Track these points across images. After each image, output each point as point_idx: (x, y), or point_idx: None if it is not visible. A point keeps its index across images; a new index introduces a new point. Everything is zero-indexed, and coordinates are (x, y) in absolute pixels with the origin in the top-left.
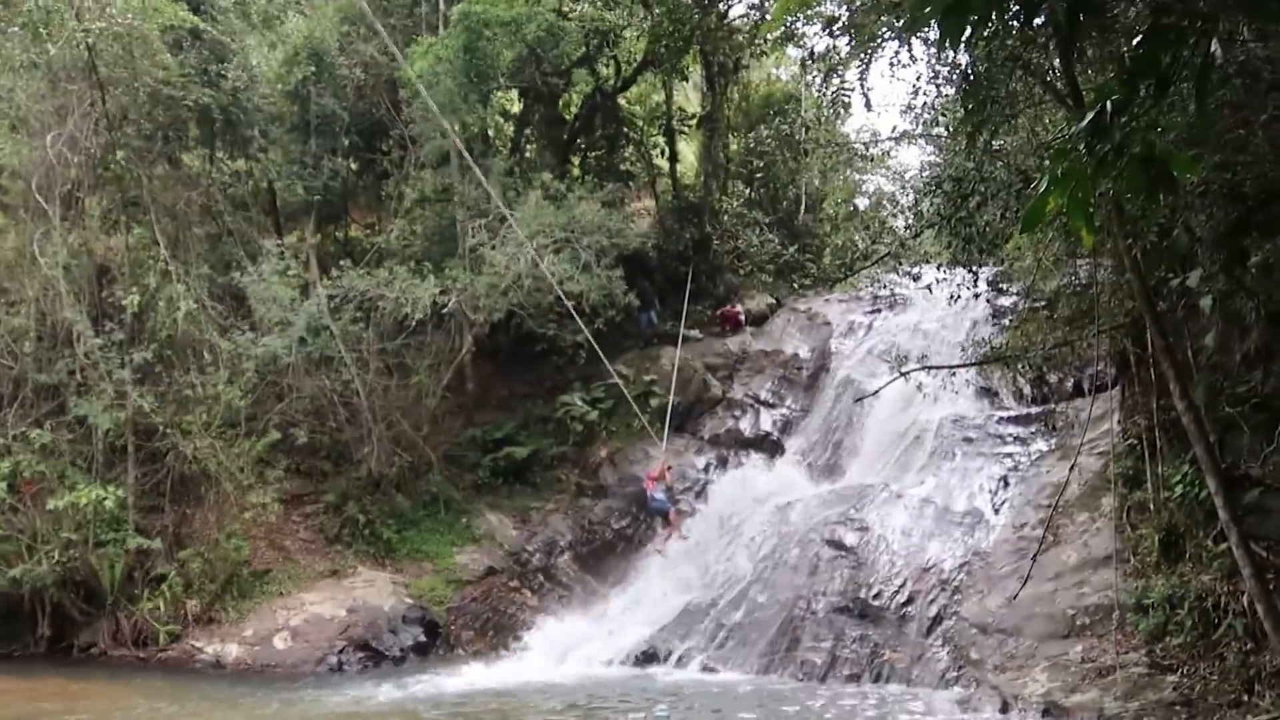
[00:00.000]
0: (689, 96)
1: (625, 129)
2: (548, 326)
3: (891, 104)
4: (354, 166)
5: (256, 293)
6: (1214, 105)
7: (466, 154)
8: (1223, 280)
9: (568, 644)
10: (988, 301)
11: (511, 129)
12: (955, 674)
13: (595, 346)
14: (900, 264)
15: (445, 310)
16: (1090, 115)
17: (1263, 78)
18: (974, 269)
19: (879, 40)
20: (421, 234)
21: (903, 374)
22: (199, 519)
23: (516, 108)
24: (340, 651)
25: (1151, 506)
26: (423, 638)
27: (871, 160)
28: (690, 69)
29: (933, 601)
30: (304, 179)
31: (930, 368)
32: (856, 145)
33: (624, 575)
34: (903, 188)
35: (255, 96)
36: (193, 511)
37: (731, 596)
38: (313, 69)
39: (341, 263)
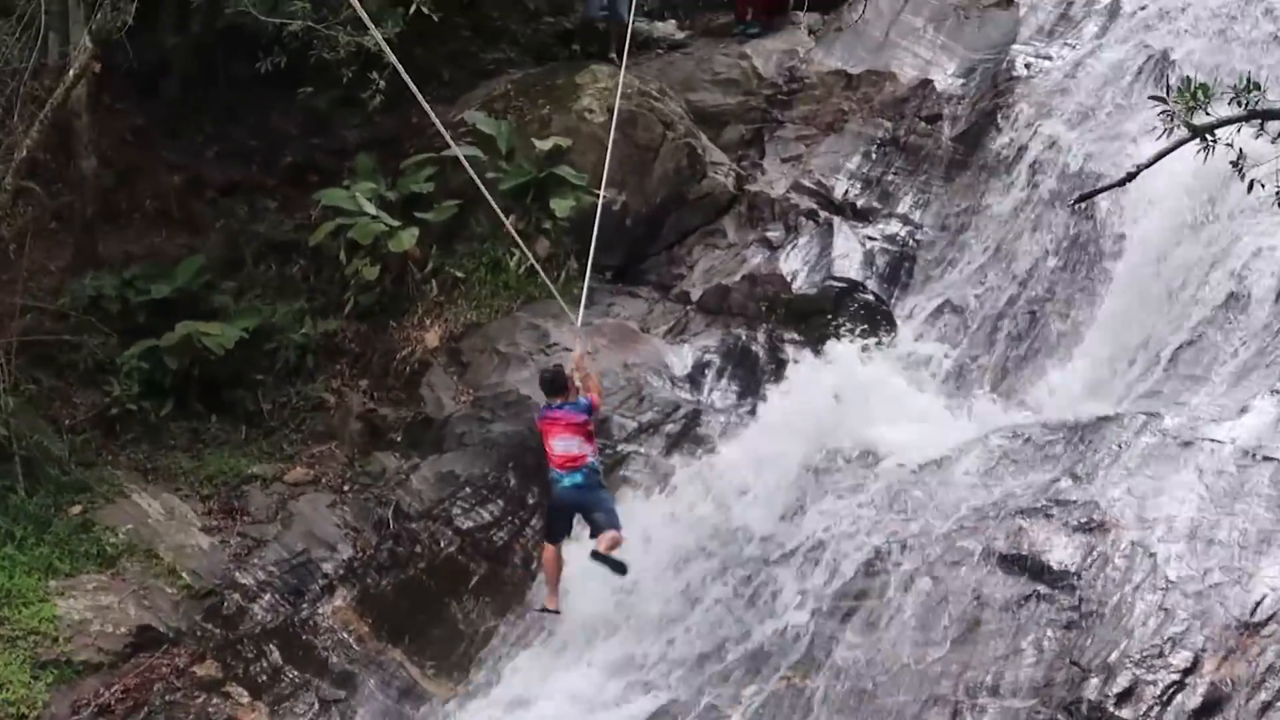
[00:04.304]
0: None
1: None
2: (293, 5)
3: None
4: None
5: None
6: None
7: None
8: None
9: None
10: None
11: None
12: None
13: (398, 67)
14: None
15: None
16: None
17: None
18: None
19: None
20: None
21: (1200, 133)
22: None
23: None
24: None
25: None
26: None
27: None
28: None
29: (1270, 708)
30: None
31: (1267, 116)
32: None
33: (482, 644)
34: None
35: None
36: None
37: (761, 697)
38: None
39: None
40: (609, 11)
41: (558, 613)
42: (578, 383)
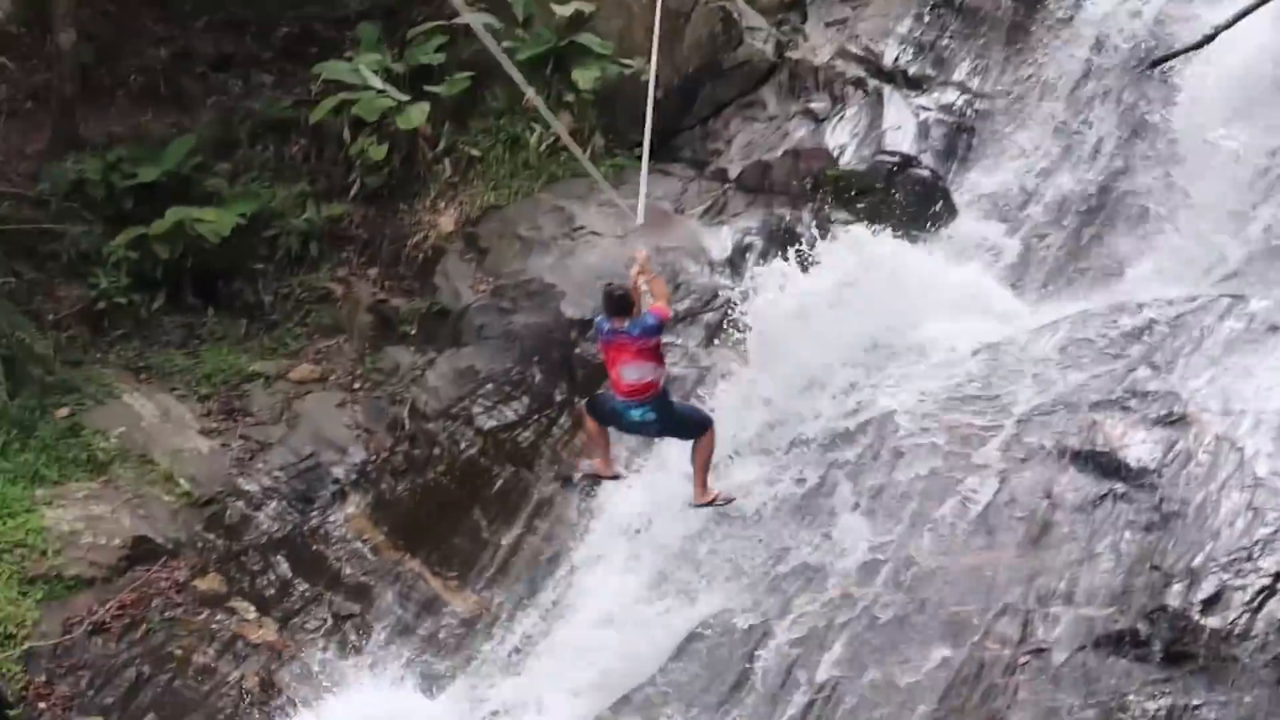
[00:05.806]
0: None
1: None
2: None
3: None
4: None
5: None
6: None
7: None
8: None
9: None
10: None
11: None
12: None
13: None
14: None
15: None
16: None
17: None
18: None
19: None
20: None
21: None
22: None
23: None
24: None
25: None
26: None
27: None
28: None
29: None
30: None
31: None
32: None
33: (509, 553)
34: None
35: None
36: None
37: (817, 606)
38: None
39: None
40: None
41: (617, 477)
42: (642, 286)
